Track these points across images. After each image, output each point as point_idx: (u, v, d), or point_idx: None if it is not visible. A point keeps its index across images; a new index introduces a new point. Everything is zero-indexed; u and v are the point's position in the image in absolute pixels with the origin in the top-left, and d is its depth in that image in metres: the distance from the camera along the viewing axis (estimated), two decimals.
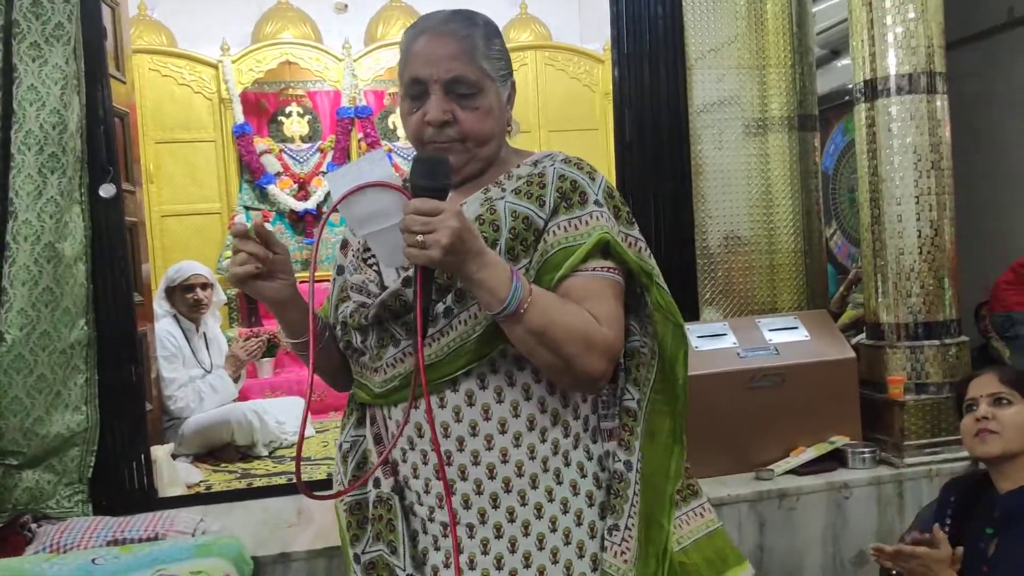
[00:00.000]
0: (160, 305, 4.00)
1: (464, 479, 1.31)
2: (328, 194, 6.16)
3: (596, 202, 1.34)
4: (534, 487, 1.31)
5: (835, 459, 2.93)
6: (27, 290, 2.71)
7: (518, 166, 1.40)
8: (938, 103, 3.03)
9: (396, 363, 1.34)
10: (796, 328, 3.09)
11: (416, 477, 1.36)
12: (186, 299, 3.98)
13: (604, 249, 1.31)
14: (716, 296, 3.36)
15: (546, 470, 1.32)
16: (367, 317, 1.36)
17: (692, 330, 3.03)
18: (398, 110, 6.36)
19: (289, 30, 6.08)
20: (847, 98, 5.47)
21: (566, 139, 6.01)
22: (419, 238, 1.13)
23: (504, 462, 1.31)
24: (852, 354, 3.06)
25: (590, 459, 1.37)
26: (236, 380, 4.10)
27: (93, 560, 2.23)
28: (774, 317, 3.18)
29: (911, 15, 2.99)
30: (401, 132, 6.36)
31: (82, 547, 2.43)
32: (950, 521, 2.05)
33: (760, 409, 2.92)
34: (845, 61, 5.52)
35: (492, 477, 1.31)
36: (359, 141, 6.24)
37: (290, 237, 6.21)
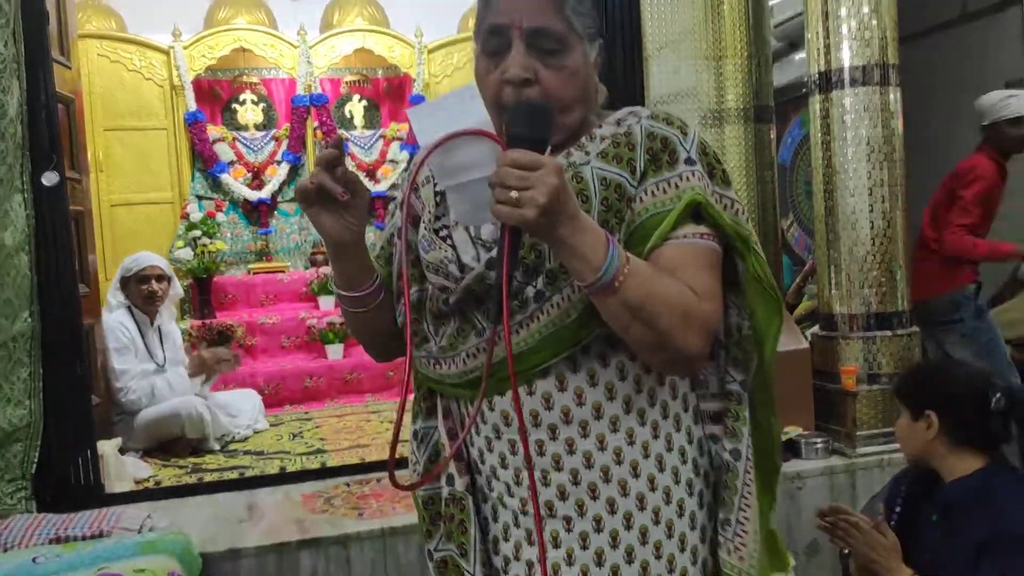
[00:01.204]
0: (114, 296, 3.91)
1: (559, 469, 1.21)
2: (283, 183, 6.10)
3: (688, 160, 1.18)
4: (635, 475, 1.21)
5: (789, 450, 2.95)
6: None
7: (600, 126, 1.24)
8: (891, 95, 3.06)
9: (478, 353, 1.21)
10: None
11: (505, 467, 1.25)
12: (141, 290, 3.90)
13: (696, 213, 1.16)
14: None
15: (647, 456, 1.22)
16: (447, 302, 1.24)
17: None
18: (354, 98, 6.34)
19: (243, 16, 5.98)
20: (804, 91, 5.53)
21: None
22: (513, 194, 1.01)
23: (602, 449, 1.20)
24: (806, 345, 3.08)
25: (691, 443, 1.26)
26: (201, 381, 4.02)
27: (34, 559, 2.17)
28: None
29: (865, 8, 3.01)
30: (358, 121, 6.29)
31: (23, 546, 2.36)
32: (899, 510, 2.08)
33: None
34: (802, 54, 5.56)
35: (590, 466, 1.20)
36: (314, 130, 6.17)
37: (244, 227, 6.12)
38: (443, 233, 1.27)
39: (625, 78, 3.30)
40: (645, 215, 1.17)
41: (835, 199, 3.07)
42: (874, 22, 3.01)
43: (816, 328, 3.40)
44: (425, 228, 1.28)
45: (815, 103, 3.13)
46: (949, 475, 1.95)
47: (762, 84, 3.52)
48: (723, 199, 1.20)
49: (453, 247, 1.24)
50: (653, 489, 1.22)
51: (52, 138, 2.85)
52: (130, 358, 3.77)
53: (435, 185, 1.28)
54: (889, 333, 3.04)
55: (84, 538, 2.38)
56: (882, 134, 3.02)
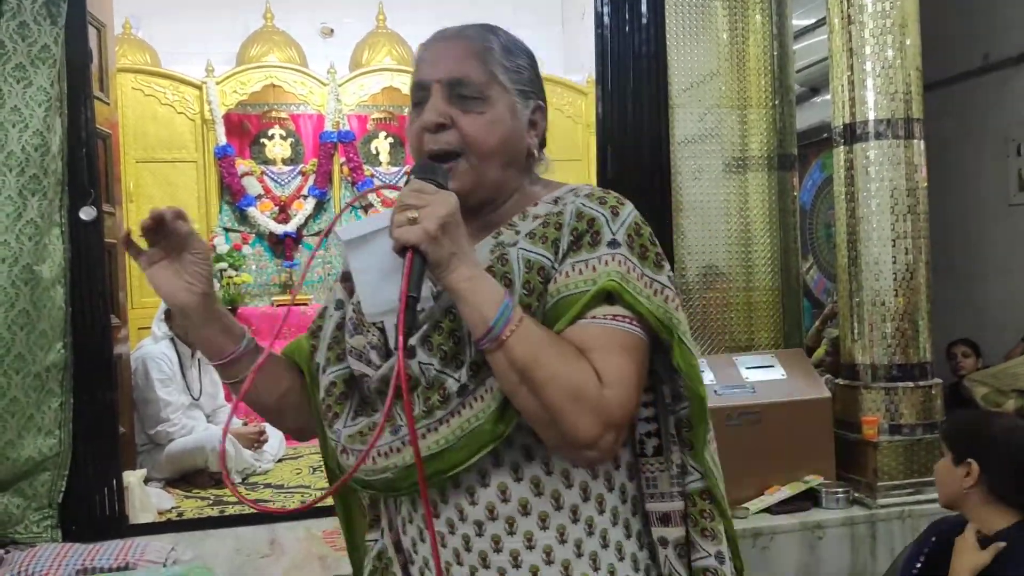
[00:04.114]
0: (159, 326, 3.98)
1: (487, 567, 1.14)
2: (309, 217, 6.18)
3: (612, 242, 1.12)
4: (567, 574, 1.13)
5: (809, 499, 2.95)
6: (3, 312, 2.69)
7: (536, 204, 1.20)
8: (915, 148, 3.09)
9: (391, 452, 1.13)
10: (773, 367, 3.12)
11: (460, 564, 1.17)
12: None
13: (611, 297, 1.09)
14: (694, 333, 3.38)
15: (580, 555, 1.14)
16: (369, 391, 1.17)
17: None
18: (380, 135, 6.42)
19: (275, 53, 6.09)
20: (825, 135, 5.55)
21: (548, 169, 6.05)
22: (411, 214, 1.02)
23: (530, 548, 1.13)
24: (827, 394, 3.09)
25: (629, 537, 1.18)
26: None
27: None
28: (751, 355, 3.21)
29: (890, 61, 3.05)
30: (384, 157, 6.38)
31: (51, 575, 2.39)
32: (923, 559, 2.08)
33: (736, 447, 2.92)
34: (824, 98, 5.60)
35: (517, 565, 1.13)
36: (341, 165, 6.24)
37: (269, 260, 6.19)
38: (373, 320, 1.19)
39: (650, 123, 3.35)
40: (557, 296, 1.11)
41: (858, 249, 3.09)
42: (898, 76, 3.05)
43: (828, 376, 3.40)
44: (353, 309, 1.23)
45: (839, 154, 3.17)
46: (978, 526, 1.95)
47: (786, 132, 3.57)
48: (653, 284, 1.12)
49: (382, 331, 1.19)
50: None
51: (91, 174, 2.92)
52: (173, 390, 3.84)
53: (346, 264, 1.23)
54: (911, 384, 3.04)
55: (111, 570, 2.42)
56: (906, 186, 3.05)
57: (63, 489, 2.86)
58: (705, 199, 3.42)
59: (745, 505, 2.88)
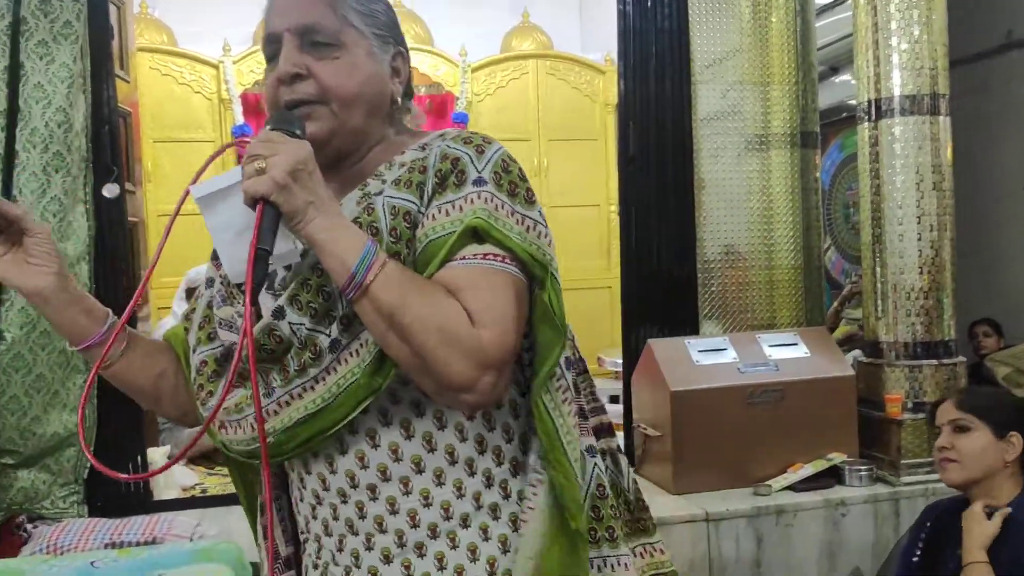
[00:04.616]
0: (179, 305, 3.99)
1: (383, 531, 1.11)
2: None
3: (477, 181, 1.08)
4: (465, 526, 1.12)
5: (832, 476, 2.95)
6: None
7: (403, 152, 1.16)
8: (941, 124, 3.06)
9: (268, 416, 1.08)
10: (796, 344, 3.11)
11: (329, 535, 1.16)
12: None
13: (479, 235, 1.06)
14: (715, 311, 3.37)
15: (479, 507, 1.12)
16: (242, 359, 1.10)
17: (693, 344, 3.04)
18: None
19: None
20: (844, 114, 5.51)
21: (566, 149, 6.02)
22: (259, 164, 0.98)
23: (427, 506, 1.11)
24: (851, 372, 3.08)
25: (507, 497, 1.14)
26: None
27: (92, 563, 2.21)
28: (774, 333, 3.20)
29: (916, 37, 3.02)
30: None
31: (79, 549, 2.41)
32: (922, 545, 2.08)
33: (759, 424, 2.93)
34: (843, 77, 5.56)
35: (415, 526, 1.11)
36: None
37: None
38: (236, 280, 1.15)
39: (672, 101, 3.33)
40: (425, 240, 1.08)
41: (883, 227, 3.07)
42: (925, 51, 3.02)
43: (856, 353, 3.39)
44: (221, 281, 1.20)
45: (864, 131, 3.14)
46: (988, 501, 1.95)
47: (808, 109, 3.54)
48: (524, 220, 1.09)
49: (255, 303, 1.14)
50: (487, 539, 1.12)
51: (114, 151, 2.93)
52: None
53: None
54: (935, 362, 3.02)
55: (138, 544, 2.43)
56: (931, 163, 3.02)
57: (88, 465, 2.88)
58: (727, 177, 3.40)
59: (768, 483, 2.88)
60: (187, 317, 1.28)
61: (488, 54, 6.11)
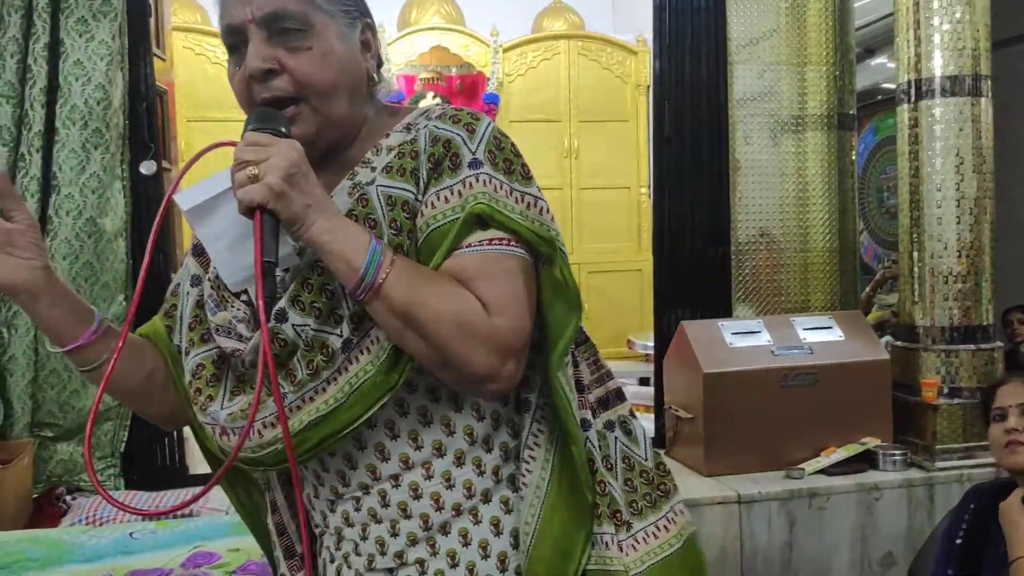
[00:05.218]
0: None
1: (408, 517, 1.10)
2: None
3: (472, 162, 1.05)
4: (486, 501, 1.12)
5: (865, 460, 2.92)
6: (68, 264, 2.73)
7: (388, 135, 1.11)
8: (982, 106, 3.01)
9: (275, 423, 1.04)
10: (830, 328, 3.08)
11: (351, 525, 1.13)
12: None
13: (483, 221, 1.03)
14: (748, 293, 3.35)
15: (499, 481, 1.13)
16: (244, 365, 1.09)
17: (726, 327, 3.03)
18: (428, 95, 6.40)
19: None
20: (880, 97, 5.44)
21: (597, 130, 6.00)
22: (251, 170, 0.95)
23: (450, 487, 1.10)
24: (886, 356, 3.05)
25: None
26: None
27: (131, 534, 2.26)
28: (809, 316, 3.17)
29: (958, 17, 2.97)
30: None
31: (118, 521, 2.46)
32: (965, 527, 2.05)
33: (792, 408, 2.91)
34: (879, 60, 5.48)
35: (440, 508, 1.10)
36: None
37: None
38: (237, 290, 1.12)
39: (708, 81, 3.30)
40: (427, 230, 1.04)
41: (921, 210, 3.03)
42: (967, 32, 2.97)
43: (888, 338, 3.35)
44: (211, 285, 1.13)
45: (903, 112, 3.09)
46: None
47: (845, 91, 3.50)
48: (524, 197, 1.07)
49: (249, 304, 1.11)
50: (508, 512, 1.12)
51: (151, 128, 2.96)
52: None
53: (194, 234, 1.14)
54: (972, 347, 2.99)
55: (175, 516, 2.47)
56: (972, 145, 2.97)
57: (125, 439, 2.92)
58: (762, 159, 3.37)
59: (801, 466, 2.86)
60: (168, 315, 1.22)
61: (520, 34, 6.10)
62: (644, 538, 1.17)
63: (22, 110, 2.71)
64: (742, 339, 3.00)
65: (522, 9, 6.14)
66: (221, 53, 5.65)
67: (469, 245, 1.02)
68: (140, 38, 2.92)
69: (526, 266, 1.05)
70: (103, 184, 2.77)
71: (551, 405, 1.10)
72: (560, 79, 6.02)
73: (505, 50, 6.00)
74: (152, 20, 3.17)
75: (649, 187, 5.60)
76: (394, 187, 1.06)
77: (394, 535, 1.10)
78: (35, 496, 2.74)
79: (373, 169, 1.08)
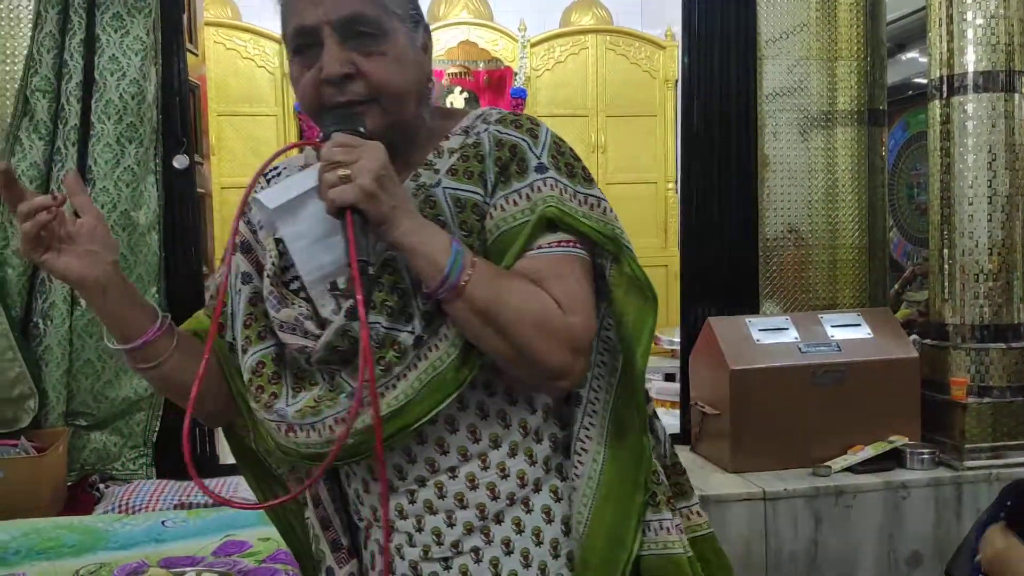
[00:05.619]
0: None
1: (464, 507, 1.13)
2: None
3: (539, 167, 1.09)
4: (537, 490, 1.15)
5: (893, 459, 2.91)
6: None
7: (447, 137, 1.14)
8: (1016, 102, 2.97)
9: (346, 418, 1.05)
10: (859, 325, 3.06)
11: (404, 518, 1.15)
12: None
13: (552, 224, 1.08)
14: (776, 290, 3.34)
15: (548, 470, 1.17)
16: (309, 362, 1.11)
17: (753, 323, 3.02)
18: (456, 90, 6.42)
19: None
20: (910, 92, 5.38)
21: (624, 125, 5.99)
22: (342, 171, 0.97)
23: (505, 477, 1.13)
24: (915, 354, 3.03)
25: (568, 457, 1.18)
26: None
27: (163, 522, 2.29)
28: (837, 313, 3.16)
29: (992, 11, 2.93)
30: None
31: (150, 509, 2.50)
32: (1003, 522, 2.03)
33: (820, 405, 2.90)
34: (910, 55, 5.42)
35: (496, 497, 1.13)
36: None
37: None
38: (294, 286, 1.13)
39: (738, 75, 3.29)
40: (497, 232, 1.08)
41: (952, 206, 3.01)
42: (1000, 27, 2.94)
43: (915, 336, 3.33)
44: (271, 282, 1.13)
45: (935, 108, 3.07)
46: None
47: (876, 86, 3.47)
48: (588, 199, 1.11)
49: (308, 300, 1.11)
50: (558, 500, 1.16)
51: (183, 123, 3.00)
52: None
53: (275, 232, 1.15)
54: (1003, 346, 2.96)
55: (206, 505, 2.50)
56: (1005, 141, 2.94)
57: (156, 429, 2.97)
58: (791, 154, 3.36)
59: (828, 463, 2.86)
60: (216, 311, 1.19)
61: (547, 29, 6.09)
62: (685, 516, 1.25)
63: (58, 104, 2.76)
64: (769, 336, 2.99)
65: (550, 4, 6.12)
66: (252, 48, 5.72)
67: (540, 247, 1.07)
68: (174, 33, 2.96)
69: (589, 266, 1.10)
70: (137, 178, 2.81)
71: (600, 399, 1.15)
72: (588, 74, 6.00)
73: (533, 45, 5.99)
74: (185, 16, 3.21)
75: (676, 182, 5.58)
76: (462, 189, 1.10)
77: (450, 525, 1.13)
78: (69, 484, 2.79)
79: (436, 171, 1.11)
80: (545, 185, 1.09)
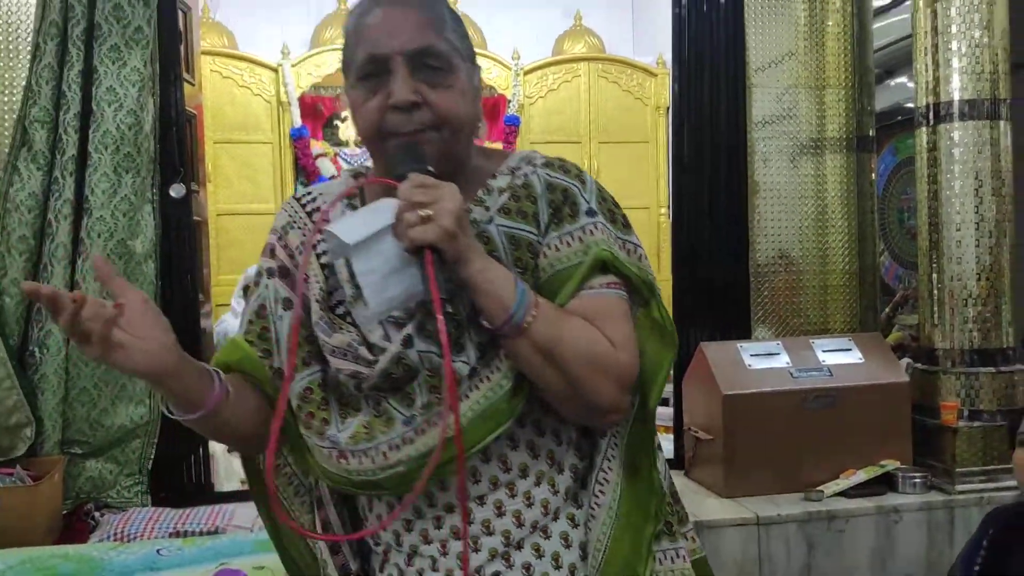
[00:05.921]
0: (238, 302, 4.09)
1: (490, 533, 1.16)
2: None
3: (589, 211, 1.16)
4: (556, 519, 1.18)
5: (885, 483, 2.93)
6: (99, 285, 2.79)
7: (494, 176, 1.19)
8: (1001, 129, 3.02)
9: (403, 444, 1.10)
10: (850, 350, 3.09)
11: (428, 543, 1.17)
12: None
13: (603, 266, 1.15)
14: (768, 315, 3.37)
15: (567, 499, 1.20)
16: (359, 387, 1.14)
17: (745, 348, 3.05)
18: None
19: None
20: (900, 118, 5.44)
21: (616, 151, 6.03)
22: (423, 212, 1.00)
23: (530, 505, 1.17)
24: (905, 378, 3.06)
25: (584, 487, 1.23)
26: None
27: (158, 551, 2.30)
28: (828, 338, 3.19)
29: (977, 40, 2.99)
30: None
31: (145, 537, 2.50)
32: (983, 554, 2.04)
33: (812, 430, 2.92)
34: (898, 80, 5.49)
35: (521, 524, 1.16)
36: None
37: None
38: (339, 311, 1.16)
39: (727, 103, 3.34)
40: (551, 270, 1.14)
41: (940, 232, 3.05)
42: (985, 55, 2.99)
43: (907, 360, 3.36)
44: (320, 307, 1.16)
45: (922, 135, 3.11)
46: None
47: (864, 113, 3.52)
48: (626, 245, 1.18)
49: (355, 326, 1.15)
50: (575, 526, 1.19)
51: (180, 152, 3.02)
52: None
53: (320, 256, 1.18)
54: (992, 370, 2.99)
55: (201, 533, 2.51)
56: (991, 168, 2.99)
57: (152, 456, 2.97)
58: (781, 181, 3.41)
59: (820, 488, 2.87)
60: (261, 336, 1.22)
61: (541, 57, 6.15)
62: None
63: (56, 135, 2.79)
64: (761, 361, 3.02)
65: (543, 32, 6.19)
66: (248, 76, 5.77)
67: (591, 287, 1.13)
68: (170, 64, 2.99)
69: (630, 308, 1.17)
70: (134, 207, 2.84)
71: (620, 432, 1.20)
72: (580, 101, 6.06)
73: (526, 73, 6.05)
74: (182, 46, 3.25)
75: (668, 208, 5.62)
76: (516, 228, 1.15)
77: (475, 550, 1.16)
78: (65, 512, 2.79)
79: (487, 208, 1.16)
80: (596, 229, 1.15)
